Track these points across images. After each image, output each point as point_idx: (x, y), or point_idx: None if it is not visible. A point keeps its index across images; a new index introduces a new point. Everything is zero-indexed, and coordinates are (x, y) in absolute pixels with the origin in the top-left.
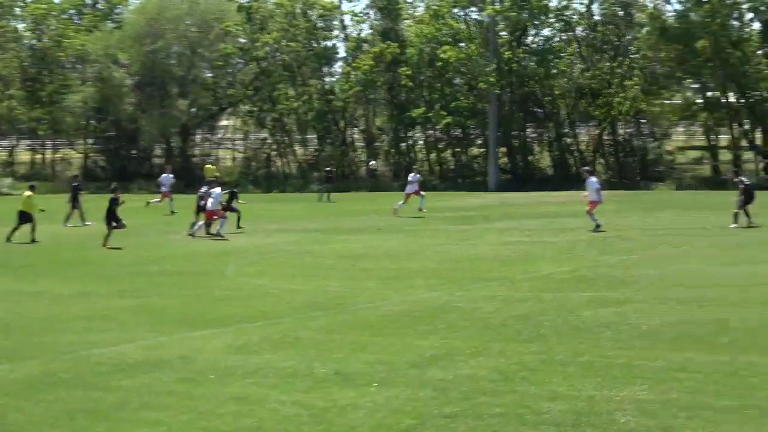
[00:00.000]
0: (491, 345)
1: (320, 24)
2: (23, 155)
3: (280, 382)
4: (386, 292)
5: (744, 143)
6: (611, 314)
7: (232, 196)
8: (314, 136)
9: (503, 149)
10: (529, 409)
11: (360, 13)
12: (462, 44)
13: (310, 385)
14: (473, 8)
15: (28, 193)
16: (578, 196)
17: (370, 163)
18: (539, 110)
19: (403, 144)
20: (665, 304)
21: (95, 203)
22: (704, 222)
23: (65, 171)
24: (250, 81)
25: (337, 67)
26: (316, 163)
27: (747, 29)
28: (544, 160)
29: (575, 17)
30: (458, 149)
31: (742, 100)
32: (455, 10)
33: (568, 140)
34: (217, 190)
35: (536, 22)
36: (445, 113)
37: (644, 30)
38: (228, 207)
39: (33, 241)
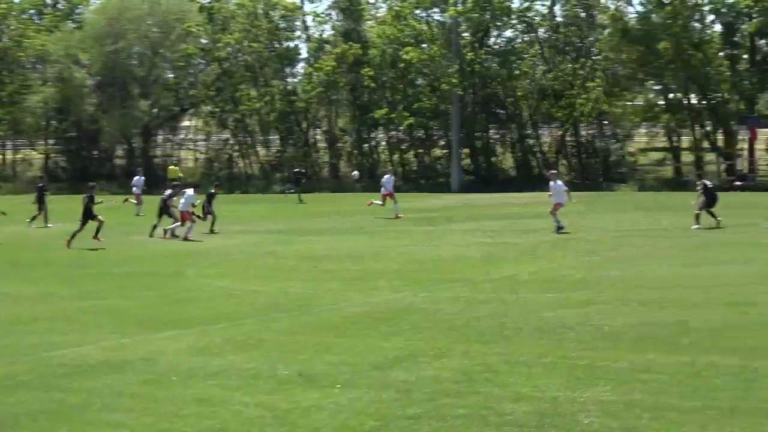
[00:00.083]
0: (454, 346)
1: (282, 25)
2: None
3: (243, 383)
4: (349, 294)
5: (706, 145)
6: (574, 315)
7: (211, 197)
8: (276, 137)
9: (466, 150)
10: (493, 411)
11: (322, 13)
12: (424, 45)
13: (274, 386)
14: (435, 9)
15: None
16: (541, 197)
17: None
18: (502, 111)
19: (366, 145)
20: (628, 305)
21: (60, 204)
22: (666, 223)
23: (26, 172)
24: (211, 81)
25: (300, 67)
26: (279, 164)
27: (708, 31)
28: (507, 161)
29: (537, 19)
30: (421, 150)
31: (704, 102)
32: (417, 11)
33: (531, 141)
34: (190, 191)
35: (498, 24)
36: (407, 114)
37: (606, 32)
38: (207, 209)
39: None
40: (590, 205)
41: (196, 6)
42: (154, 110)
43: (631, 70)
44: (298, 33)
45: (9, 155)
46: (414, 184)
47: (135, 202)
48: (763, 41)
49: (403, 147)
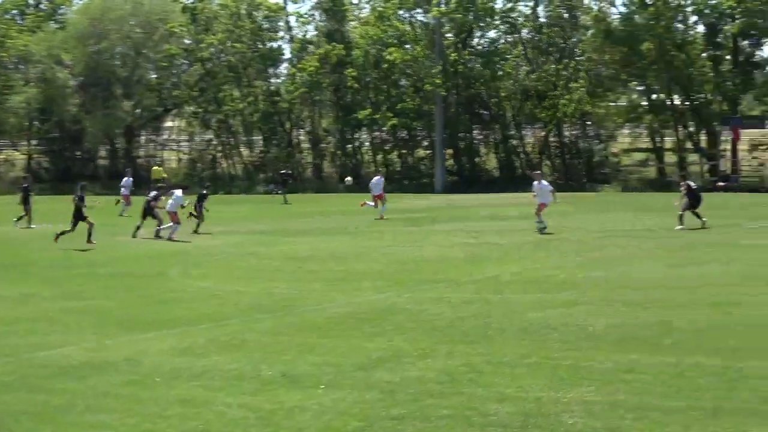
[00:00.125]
0: (438, 347)
1: (265, 25)
2: None
3: (226, 384)
4: (333, 294)
5: (689, 145)
6: (558, 316)
7: (202, 198)
8: (260, 137)
9: (449, 151)
10: (477, 411)
11: (305, 14)
12: (408, 46)
13: (257, 387)
14: (419, 10)
15: None
16: (525, 197)
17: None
18: (485, 112)
19: (350, 146)
20: (611, 305)
21: (43, 204)
22: (650, 224)
23: (8, 172)
24: (195, 82)
25: (283, 68)
26: (262, 165)
27: (691, 32)
28: (491, 161)
29: (521, 19)
30: (404, 151)
31: (687, 103)
32: (401, 12)
33: (514, 142)
34: (179, 192)
35: (482, 24)
36: (391, 115)
37: (589, 32)
38: (198, 210)
39: None
40: (574, 205)
41: (179, 6)
42: (137, 111)
43: (614, 70)
44: (281, 33)
45: None
46: (397, 185)
47: (124, 202)
48: (745, 42)
49: (387, 148)
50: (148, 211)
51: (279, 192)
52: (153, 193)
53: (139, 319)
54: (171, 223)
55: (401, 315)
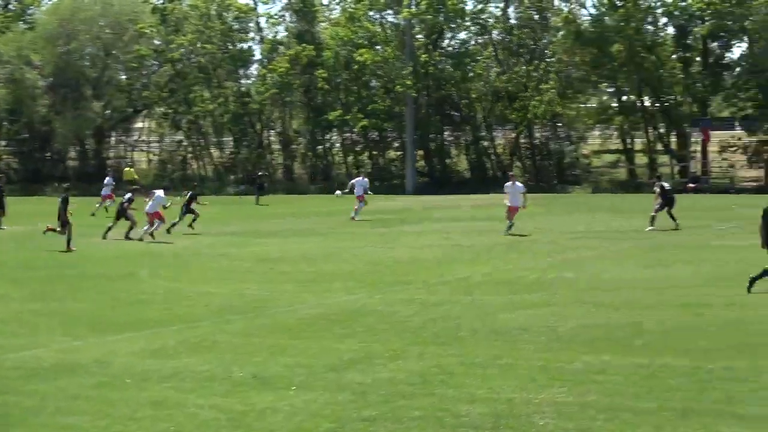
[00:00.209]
0: (410, 348)
1: (236, 26)
2: None
3: (197, 386)
4: (304, 296)
5: (659, 147)
6: (529, 317)
7: (192, 197)
8: (230, 138)
9: (420, 152)
10: (448, 412)
11: (275, 15)
12: (378, 47)
13: (228, 388)
14: (389, 11)
15: None
16: (496, 198)
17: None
18: (456, 113)
19: (320, 147)
20: (582, 307)
21: (12, 206)
22: (620, 225)
23: None
24: (165, 83)
25: (253, 69)
26: (233, 166)
27: (661, 34)
28: (462, 163)
29: (491, 21)
30: (375, 152)
31: (657, 104)
32: (371, 13)
33: (485, 143)
34: (160, 192)
35: (452, 26)
36: (361, 116)
37: (559, 34)
38: (188, 208)
39: None
40: (545, 207)
41: (149, 7)
42: (107, 112)
43: (585, 72)
44: (251, 34)
45: None
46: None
47: (111, 201)
48: (715, 44)
49: (358, 149)
50: (122, 213)
51: (256, 193)
52: (128, 195)
53: (110, 320)
54: (146, 226)
55: (372, 316)
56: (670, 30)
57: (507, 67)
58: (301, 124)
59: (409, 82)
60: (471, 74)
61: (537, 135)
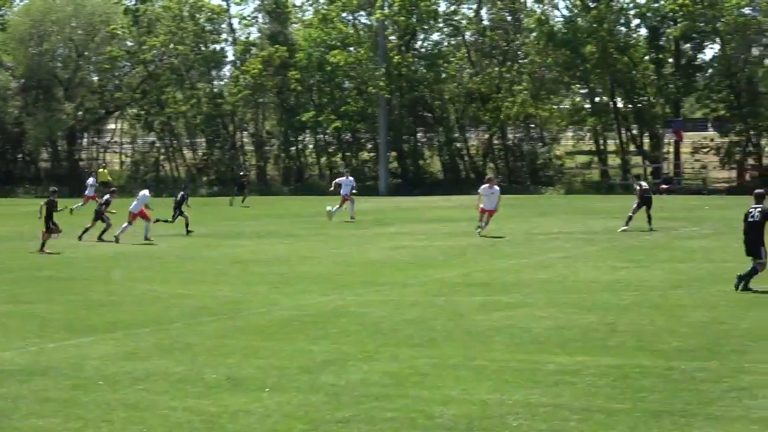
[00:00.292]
0: (383, 349)
1: (208, 27)
2: None
3: (170, 388)
4: (277, 297)
5: (632, 148)
6: (503, 318)
7: (183, 199)
8: (203, 139)
9: (393, 154)
10: (422, 414)
11: (248, 16)
12: (351, 48)
13: (202, 390)
14: (362, 12)
15: None
16: (469, 200)
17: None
18: (429, 115)
19: (293, 148)
20: (556, 308)
21: None
22: (594, 226)
23: None
24: (137, 84)
25: (226, 70)
26: (206, 167)
27: (634, 35)
28: (435, 164)
29: (464, 22)
30: (348, 153)
31: (630, 106)
32: (344, 15)
33: (458, 145)
34: (145, 192)
35: (425, 27)
36: (334, 117)
37: (532, 35)
38: (178, 211)
39: None
40: (518, 208)
41: (121, 8)
42: (80, 113)
43: (558, 73)
44: (224, 36)
45: None
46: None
47: (81, 204)
48: (687, 45)
49: (331, 150)
50: (98, 215)
51: (237, 194)
52: (106, 197)
53: (83, 322)
54: (125, 224)
55: (346, 318)
56: (643, 31)
57: (480, 69)
58: (274, 126)
59: (382, 84)
60: (444, 75)
61: (510, 136)
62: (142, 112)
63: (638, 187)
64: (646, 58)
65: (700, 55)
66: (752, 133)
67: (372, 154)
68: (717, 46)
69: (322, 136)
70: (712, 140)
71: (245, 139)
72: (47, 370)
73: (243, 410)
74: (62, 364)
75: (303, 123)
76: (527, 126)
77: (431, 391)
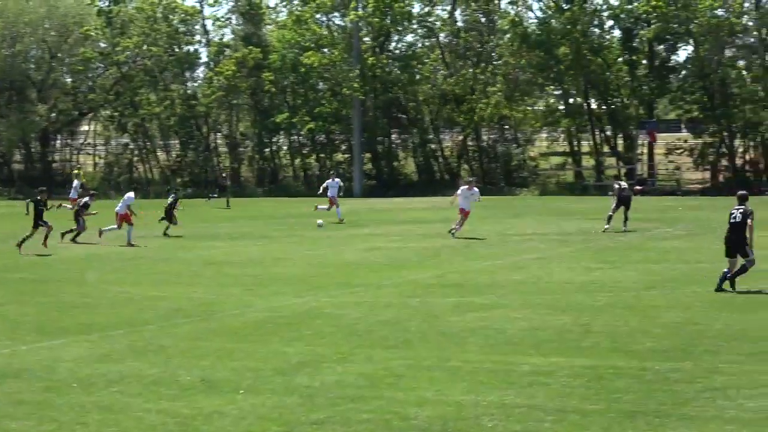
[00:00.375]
0: (358, 351)
1: (182, 29)
2: None
3: (144, 390)
4: (252, 299)
5: (606, 149)
6: (477, 319)
7: (174, 202)
8: (177, 141)
9: (368, 155)
10: (397, 415)
11: (222, 18)
12: (325, 50)
13: (176, 392)
14: (336, 14)
15: None
16: (443, 201)
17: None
18: (403, 116)
19: (267, 150)
20: (530, 309)
21: None
22: (568, 227)
23: None
24: (111, 86)
25: (200, 72)
26: (179, 169)
27: (608, 37)
28: (409, 165)
29: (438, 23)
30: (323, 155)
31: (604, 107)
32: (318, 16)
33: (433, 146)
34: (131, 194)
35: (399, 28)
36: (309, 119)
37: (506, 37)
38: (170, 214)
39: None
40: (492, 209)
41: (94, 9)
42: (53, 114)
43: (532, 75)
44: (197, 37)
45: None
46: (316, 189)
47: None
48: (661, 47)
49: (305, 152)
50: (76, 216)
51: (214, 195)
52: (84, 200)
53: (55, 324)
54: (113, 226)
55: (320, 319)
56: (617, 33)
57: (454, 70)
58: (248, 127)
59: (356, 85)
60: (418, 77)
61: (484, 137)
62: (116, 114)
63: (617, 186)
64: (620, 59)
65: (673, 57)
66: (725, 134)
67: (346, 156)
68: (690, 48)
69: (296, 137)
70: (685, 141)
71: (219, 141)
72: (20, 373)
73: (217, 412)
74: (35, 366)
75: (277, 124)
76: (501, 127)
77: (406, 393)
